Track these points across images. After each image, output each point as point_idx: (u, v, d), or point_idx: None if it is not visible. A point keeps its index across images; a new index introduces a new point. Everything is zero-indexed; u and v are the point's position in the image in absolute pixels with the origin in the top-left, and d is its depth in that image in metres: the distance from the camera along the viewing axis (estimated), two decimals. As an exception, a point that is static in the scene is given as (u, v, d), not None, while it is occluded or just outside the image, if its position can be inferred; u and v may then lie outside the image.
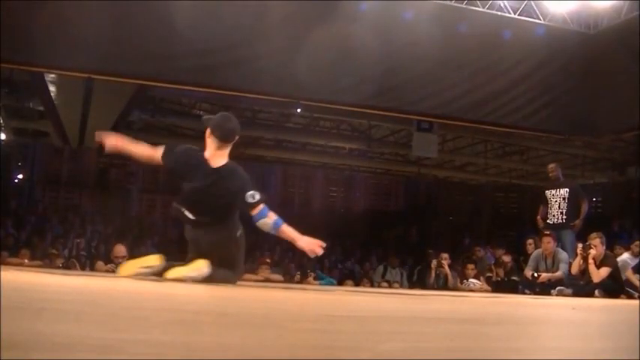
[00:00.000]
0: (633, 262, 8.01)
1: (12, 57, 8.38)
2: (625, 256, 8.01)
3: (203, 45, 8.99)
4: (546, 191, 8.66)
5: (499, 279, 8.99)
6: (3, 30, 7.93)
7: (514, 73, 10.52)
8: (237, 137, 4.25)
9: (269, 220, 4.07)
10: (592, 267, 7.34)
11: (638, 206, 12.96)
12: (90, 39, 8.44)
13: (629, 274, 7.74)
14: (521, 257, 9.27)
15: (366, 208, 17.74)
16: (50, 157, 14.86)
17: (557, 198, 8.46)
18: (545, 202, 8.59)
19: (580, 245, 7.57)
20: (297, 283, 9.01)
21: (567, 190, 8.49)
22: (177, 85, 9.79)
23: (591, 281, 7.33)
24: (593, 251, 7.35)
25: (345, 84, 9.68)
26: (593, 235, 7.57)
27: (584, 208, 8.40)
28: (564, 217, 8.36)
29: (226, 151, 4.23)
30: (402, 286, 10.31)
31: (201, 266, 3.95)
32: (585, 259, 7.39)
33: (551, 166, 8.98)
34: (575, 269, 7.59)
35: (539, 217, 8.61)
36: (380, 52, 9.59)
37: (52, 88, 12.01)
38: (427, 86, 10.18)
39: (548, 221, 8.48)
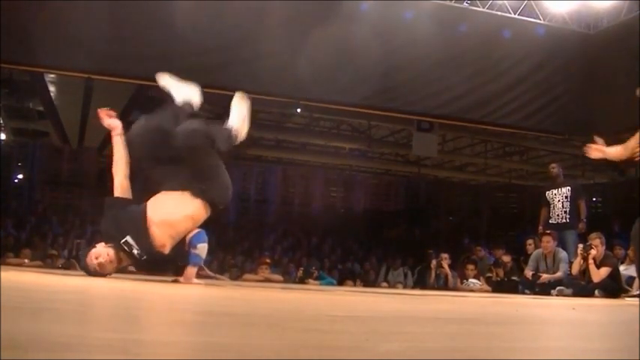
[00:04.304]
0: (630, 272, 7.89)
1: (12, 57, 8.38)
2: (622, 268, 7.94)
3: (203, 45, 8.99)
4: (547, 192, 8.61)
5: (499, 279, 8.97)
6: (3, 30, 7.94)
7: (514, 73, 10.51)
8: None
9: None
10: (592, 267, 7.33)
11: (638, 206, 12.94)
12: (90, 39, 8.44)
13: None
14: (521, 257, 9.26)
15: (366, 208, 17.72)
16: (50, 157, 14.85)
17: (560, 197, 8.42)
18: (546, 203, 8.54)
19: (581, 246, 7.56)
20: (299, 278, 9.01)
21: (569, 188, 8.47)
22: (177, 86, 9.77)
23: (591, 281, 7.32)
24: (593, 251, 7.34)
25: (345, 84, 9.68)
26: (593, 235, 7.56)
27: (583, 208, 8.37)
28: (568, 216, 8.32)
29: None
30: (405, 286, 10.31)
31: None
32: (585, 259, 7.39)
33: (553, 165, 9.04)
34: (575, 269, 7.59)
35: (540, 227, 8.53)
36: (380, 52, 9.59)
37: (52, 88, 12.02)
38: (427, 86, 10.18)
39: (551, 221, 8.43)
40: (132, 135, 4.41)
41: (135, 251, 3.98)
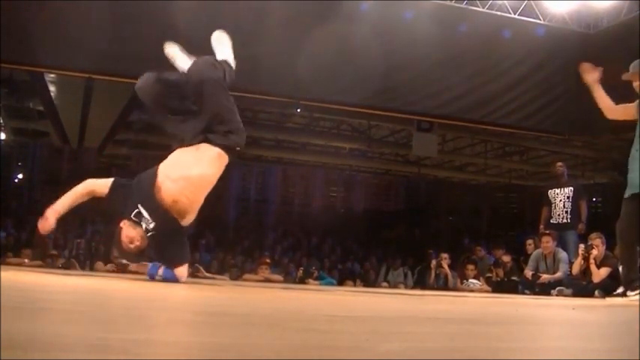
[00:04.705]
0: None
1: (12, 57, 8.38)
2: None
3: (203, 45, 8.97)
4: (549, 191, 8.62)
5: (499, 279, 8.97)
6: (3, 30, 7.93)
7: (514, 73, 10.50)
8: None
9: None
10: (593, 267, 7.34)
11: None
12: (90, 39, 8.43)
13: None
14: (521, 257, 9.26)
15: (366, 208, 17.73)
16: (50, 157, 14.87)
17: (562, 197, 8.42)
18: (548, 202, 8.55)
19: (582, 246, 7.57)
20: (299, 278, 9.01)
21: (572, 188, 8.48)
22: (177, 86, 9.77)
23: (591, 281, 7.33)
24: (595, 251, 7.35)
25: (345, 84, 9.67)
26: (594, 235, 7.56)
27: (584, 209, 8.37)
28: (569, 216, 8.32)
29: None
30: (406, 286, 10.31)
31: None
32: (587, 259, 7.39)
33: (559, 163, 9.04)
34: (576, 269, 7.59)
35: (541, 226, 8.54)
36: (380, 52, 9.58)
37: (52, 88, 12.02)
38: (427, 86, 10.17)
39: (552, 221, 8.43)
40: (139, 85, 4.23)
41: (144, 225, 3.77)
